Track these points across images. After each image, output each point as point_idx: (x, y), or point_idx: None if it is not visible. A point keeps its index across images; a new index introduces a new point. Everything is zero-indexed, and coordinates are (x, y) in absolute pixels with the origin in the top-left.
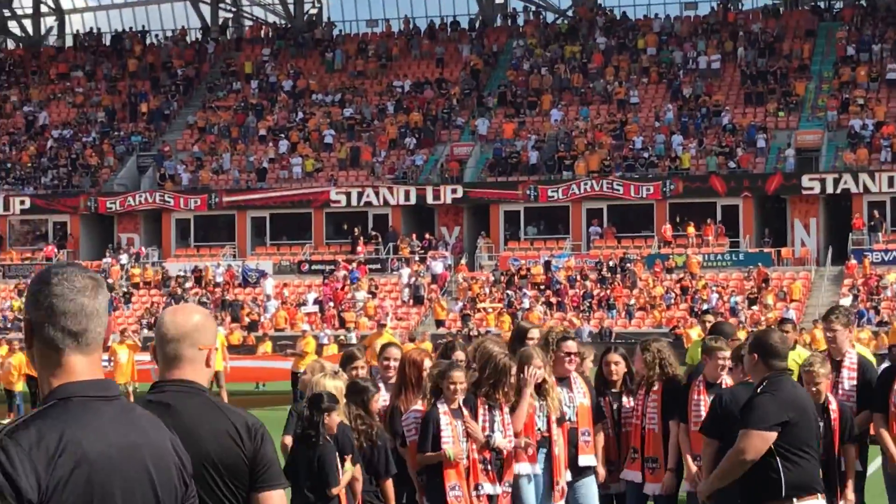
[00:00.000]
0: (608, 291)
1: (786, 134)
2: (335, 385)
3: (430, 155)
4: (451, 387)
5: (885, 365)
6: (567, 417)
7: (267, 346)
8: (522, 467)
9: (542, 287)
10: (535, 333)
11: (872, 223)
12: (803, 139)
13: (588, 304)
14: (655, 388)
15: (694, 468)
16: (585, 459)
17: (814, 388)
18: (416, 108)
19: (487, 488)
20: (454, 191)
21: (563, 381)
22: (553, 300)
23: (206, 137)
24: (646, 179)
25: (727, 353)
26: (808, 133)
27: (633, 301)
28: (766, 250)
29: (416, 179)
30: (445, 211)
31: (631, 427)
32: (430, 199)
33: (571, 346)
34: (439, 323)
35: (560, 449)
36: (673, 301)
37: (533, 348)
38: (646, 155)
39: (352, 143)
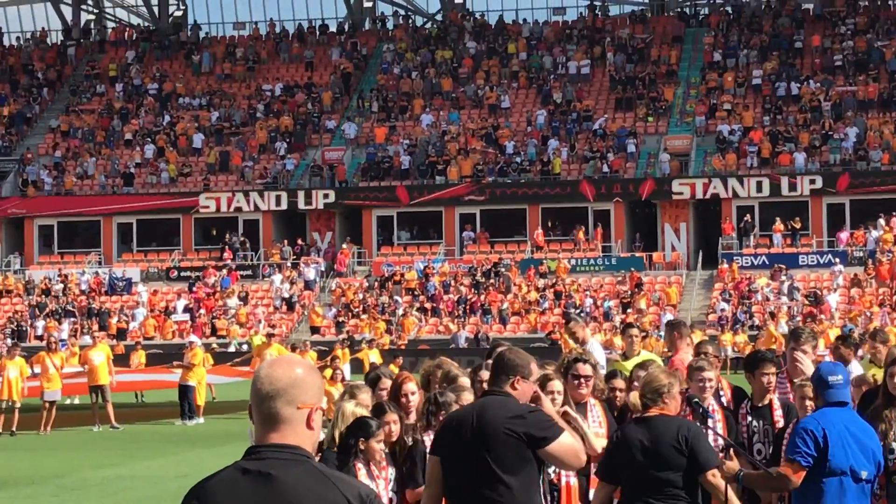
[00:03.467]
0: (483, 297)
1: (655, 139)
2: (355, 411)
3: (301, 159)
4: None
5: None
6: None
7: (140, 356)
8: None
9: (417, 293)
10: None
11: (743, 226)
12: (672, 144)
13: (463, 310)
14: None
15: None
16: None
17: (808, 405)
18: (287, 113)
19: None
20: (326, 195)
21: (579, 407)
22: (428, 305)
23: (69, 142)
24: (518, 185)
25: (710, 375)
26: (677, 138)
27: (506, 306)
28: (637, 254)
29: (286, 184)
30: (317, 216)
31: None
32: (301, 205)
33: (584, 368)
34: (314, 330)
35: (574, 480)
36: (547, 306)
37: (554, 372)
38: (518, 160)
39: (221, 148)
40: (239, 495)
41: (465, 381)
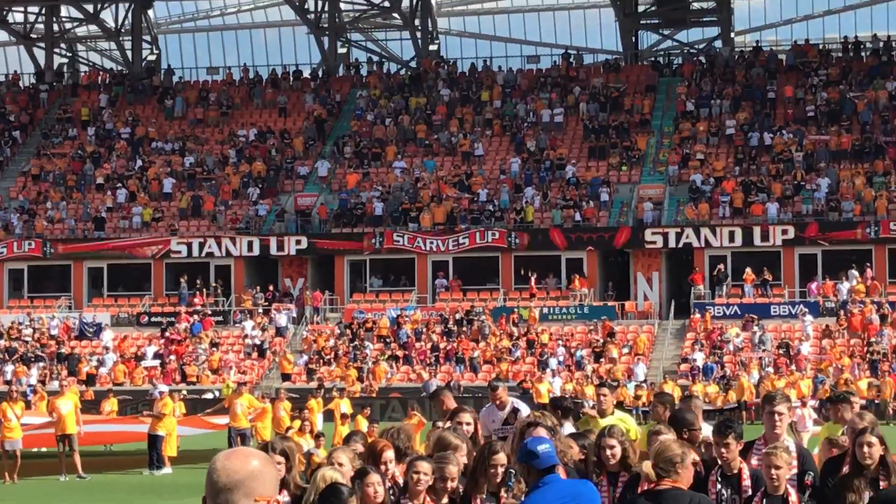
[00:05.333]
0: (455, 344)
1: (628, 188)
2: (326, 475)
3: (273, 205)
4: (415, 477)
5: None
6: None
7: (112, 404)
8: None
9: (389, 340)
10: (466, 418)
11: (716, 276)
12: (646, 193)
13: (435, 357)
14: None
15: None
16: None
17: (773, 474)
18: (259, 158)
19: None
20: (298, 241)
21: None
22: (399, 353)
23: (40, 185)
24: (491, 231)
25: (667, 437)
26: (651, 187)
27: (477, 354)
28: (610, 304)
29: (259, 230)
30: (289, 262)
31: None
32: (273, 250)
33: (539, 432)
34: (286, 377)
35: None
36: (519, 355)
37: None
38: (491, 208)
39: (193, 193)
40: None
41: (462, 449)
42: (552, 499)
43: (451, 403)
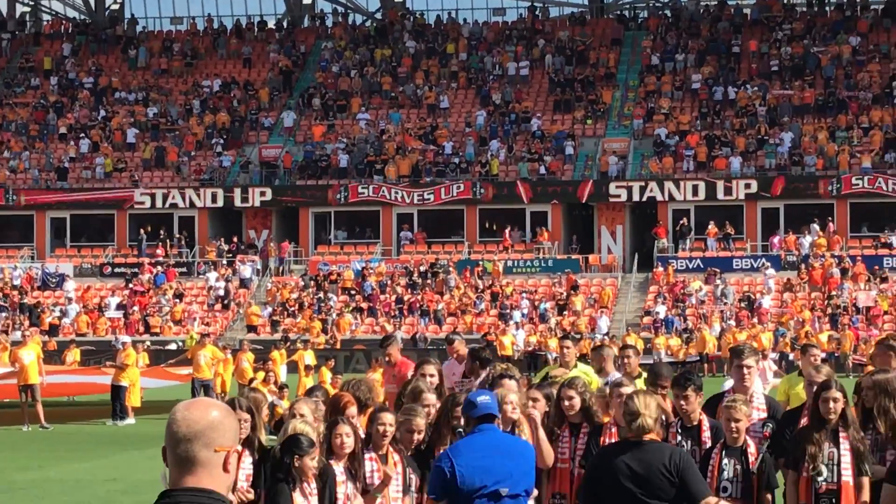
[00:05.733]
0: (419, 297)
1: (593, 141)
2: (304, 430)
3: (237, 156)
4: (381, 428)
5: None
6: None
7: (75, 354)
8: None
9: (353, 292)
10: (430, 370)
11: (680, 229)
12: (610, 147)
13: (400, 310)
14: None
15: None
16: None
17: (733, 426)
18: (224, 109)
19: None
20: (263, 193)
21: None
22: (364, 305)
23: (2, 135)
24: (456, 184)
25: (629, 390)
26: (615, 141)
27: (441, 306)
28: (573, 257)
29: (223, 181)
30: (254, 214)
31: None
32: (238, 202)
33: (510, 385)
34: (251, 328)
35: None
36: (483, 307)
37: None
38: (456, 160)
39: (156, 143)
40: None
41: (429, 399)
42: (481, 445)
43: (397, 355)
